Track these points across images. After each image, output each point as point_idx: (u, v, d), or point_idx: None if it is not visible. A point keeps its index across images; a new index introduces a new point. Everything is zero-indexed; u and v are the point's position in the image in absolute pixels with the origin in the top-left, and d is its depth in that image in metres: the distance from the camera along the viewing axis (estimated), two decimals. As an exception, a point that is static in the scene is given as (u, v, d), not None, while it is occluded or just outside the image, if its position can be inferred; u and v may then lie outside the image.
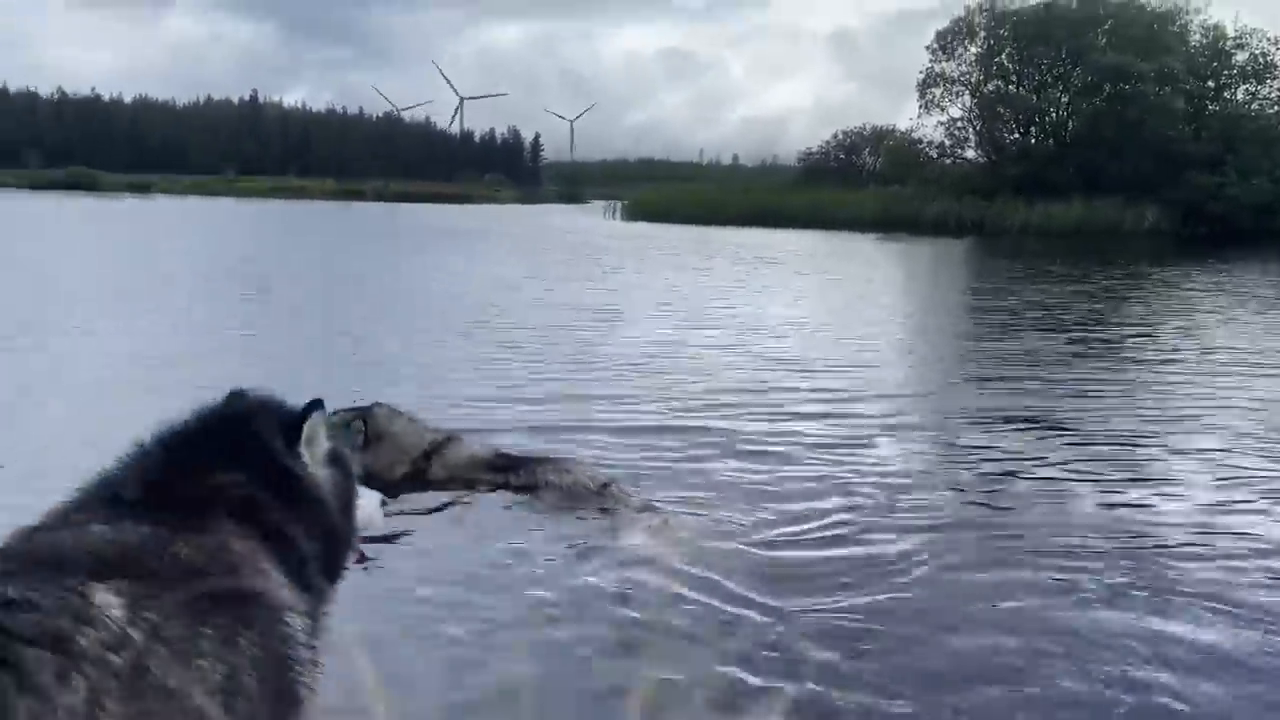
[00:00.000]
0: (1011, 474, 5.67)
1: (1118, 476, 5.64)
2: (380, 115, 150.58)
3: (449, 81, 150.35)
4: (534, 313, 12.49)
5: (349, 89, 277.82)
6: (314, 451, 2.13)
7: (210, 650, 1.58)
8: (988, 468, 5.80)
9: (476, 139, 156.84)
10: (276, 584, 1.80)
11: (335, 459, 2.20)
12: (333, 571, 2.11)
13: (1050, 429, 6.86)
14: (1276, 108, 45.36)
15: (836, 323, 12.80)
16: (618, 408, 7.03)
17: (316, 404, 2.13)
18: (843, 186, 50.13)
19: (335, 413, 4.64)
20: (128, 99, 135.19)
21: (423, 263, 20.98)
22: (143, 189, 77.31)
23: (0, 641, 1.40)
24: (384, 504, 4.25)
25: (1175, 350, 10.68)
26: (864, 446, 6.13)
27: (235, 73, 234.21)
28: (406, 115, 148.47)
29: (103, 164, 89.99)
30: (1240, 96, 45.78)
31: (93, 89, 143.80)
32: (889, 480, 5.37)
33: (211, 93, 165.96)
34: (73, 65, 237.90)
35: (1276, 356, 10.22)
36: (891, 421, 6.89)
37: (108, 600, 1.51)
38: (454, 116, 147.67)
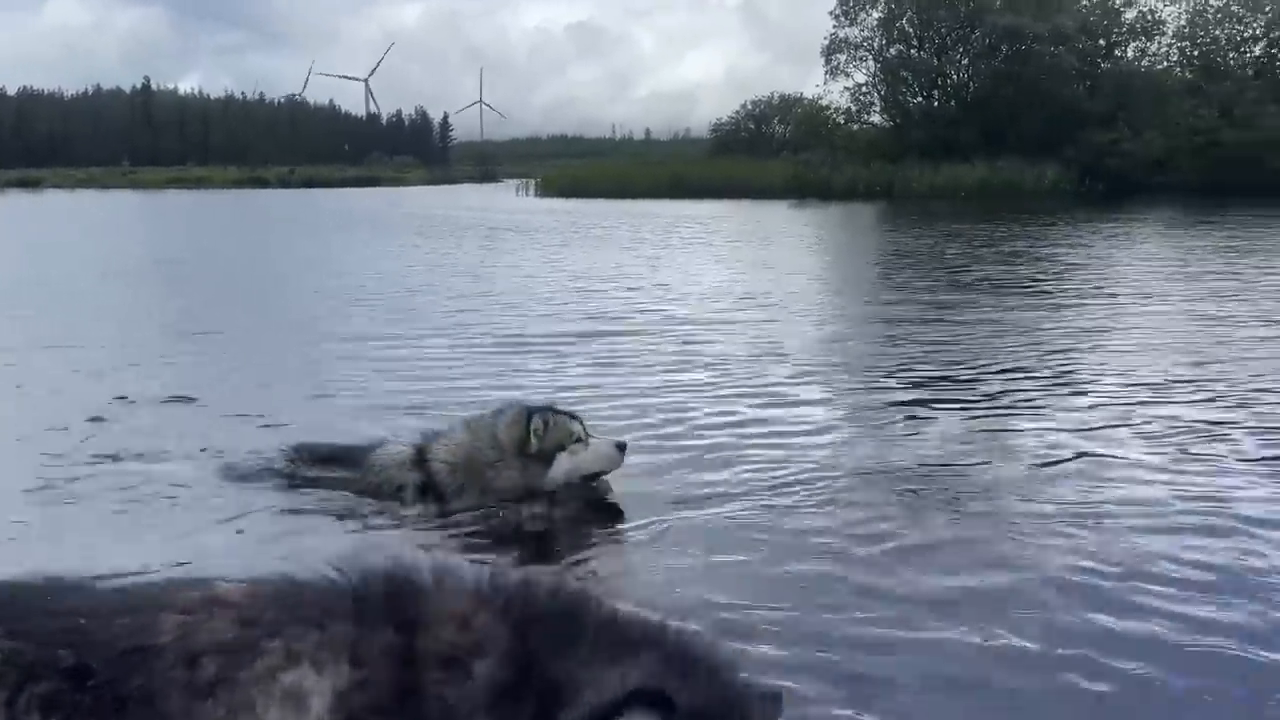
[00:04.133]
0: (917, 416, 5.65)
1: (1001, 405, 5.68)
2: (282, 100, 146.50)
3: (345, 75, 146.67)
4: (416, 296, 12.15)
5: (247, 73, 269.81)
6: None
7: None
8: (893, 415, 5.77)
9: (384, 121, 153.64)
10: None
11: None
12: None
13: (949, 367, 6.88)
14: (1165, 64, 46.81)
15: (754, 286, 12.75)
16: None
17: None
18: (754, 156, 50.36)
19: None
20: (11, 91, 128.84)
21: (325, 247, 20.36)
22: (32, 184, 73.94)
23: None
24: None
25: (1076, 296, 10.90)
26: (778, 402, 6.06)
27: (125, 60, 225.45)
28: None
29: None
30: (1131, 54, 47.10)
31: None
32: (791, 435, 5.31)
33: (101, 82, 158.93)
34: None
35: (1162, 297, 10.52)
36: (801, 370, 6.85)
37: None
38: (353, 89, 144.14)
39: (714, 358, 7.63)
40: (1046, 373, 7.04)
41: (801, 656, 2.90)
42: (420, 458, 4.30)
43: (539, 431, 4.19)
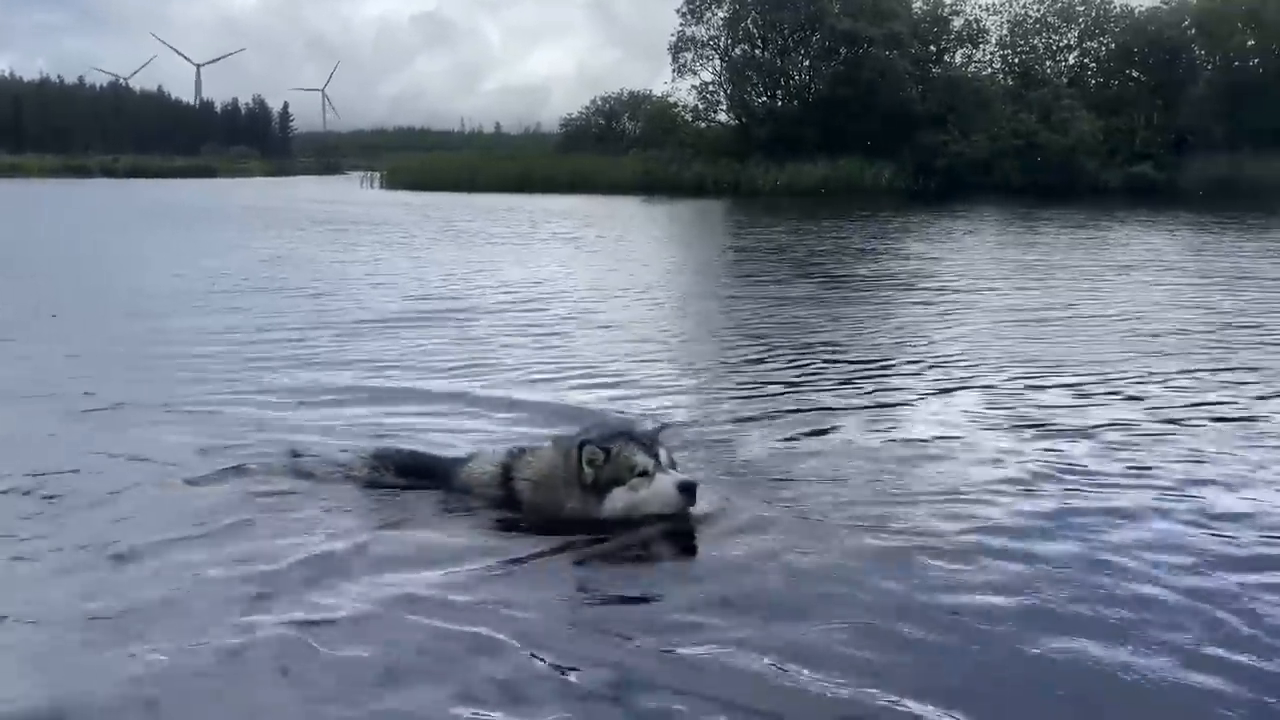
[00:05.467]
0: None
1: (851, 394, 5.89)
2: (105, 85, 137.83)
3: (177, 50, 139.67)
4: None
5: (66, 56, 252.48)
6: None
7: None
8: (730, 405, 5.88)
9: (218, 109, 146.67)
10: None
11: None
12: None
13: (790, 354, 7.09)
14: (990, 70, 49.66)
15: (600, 279, 12.77)
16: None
17: None
18: (604, 152, 50.63)
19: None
20: None
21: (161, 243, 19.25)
22: None
23: None
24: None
25: (906, 287, 11.42)
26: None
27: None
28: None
29: None
30: (959, 60, 49.75)
31: None
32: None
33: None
34: None
35: (990, 286, 11.16)
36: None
37: None
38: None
39: (591, 358, 7.60)
40: (875, 356, 7.33)
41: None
42: (506, 476, 4.04)
43: (595, 462, 3.81)
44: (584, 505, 3.81)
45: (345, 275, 13.02)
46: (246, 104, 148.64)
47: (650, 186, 41.14)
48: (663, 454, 3.89)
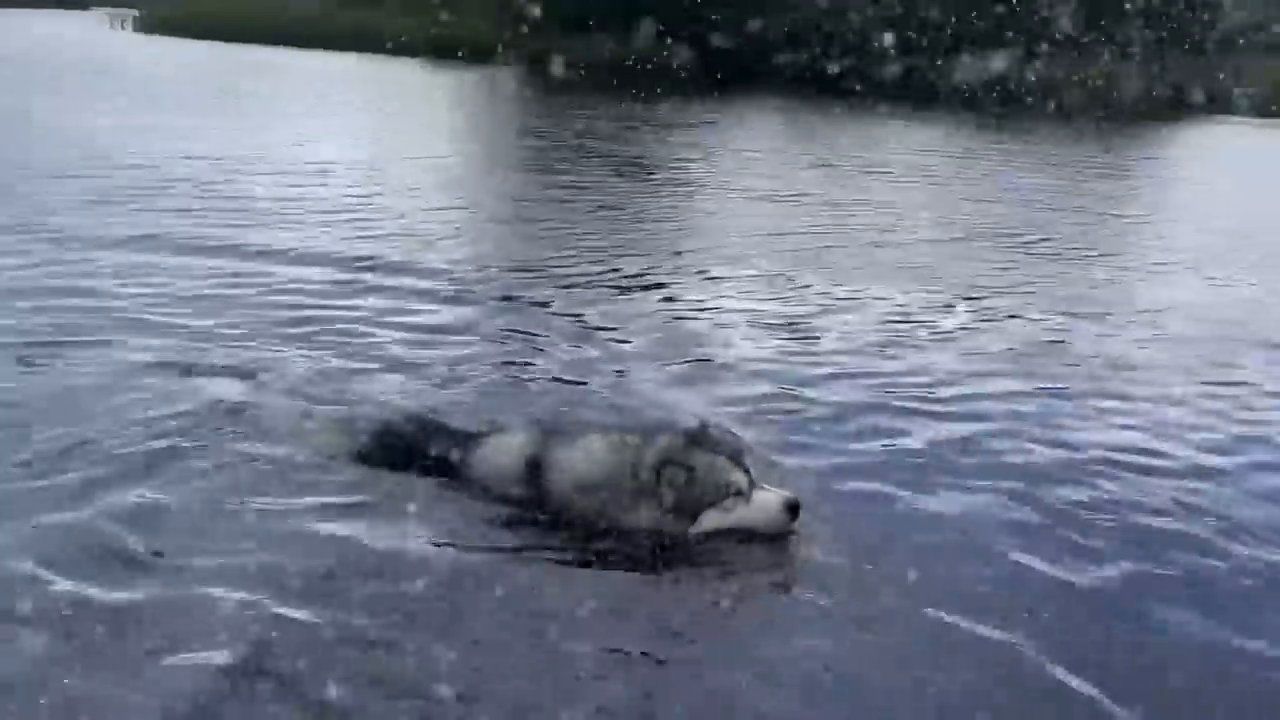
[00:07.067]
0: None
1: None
2: None
3: None
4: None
5: None
6: None
7: None
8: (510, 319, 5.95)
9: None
10: None
11: None
12: None
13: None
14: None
15: (381, 157, 12.28)
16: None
17: None
18: (382, 10, 47.67)
19: None
20: None
21: None
22: None
23: None
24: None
25: (686, 179, 11.70)
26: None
27: None
28: None
29: None
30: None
31: None
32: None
33: None
34: None
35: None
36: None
37: None
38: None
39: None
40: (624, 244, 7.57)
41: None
42: (534, 466, 3.44)
43: (676, 483, 3.32)
44: (659, 523, 3.35)
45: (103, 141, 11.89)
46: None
47: (440, 49, 39.28)
48: (750, 464, 3.50)
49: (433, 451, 3.56)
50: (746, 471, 3.43)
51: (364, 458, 3.66)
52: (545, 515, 3.39)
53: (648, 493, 3.32)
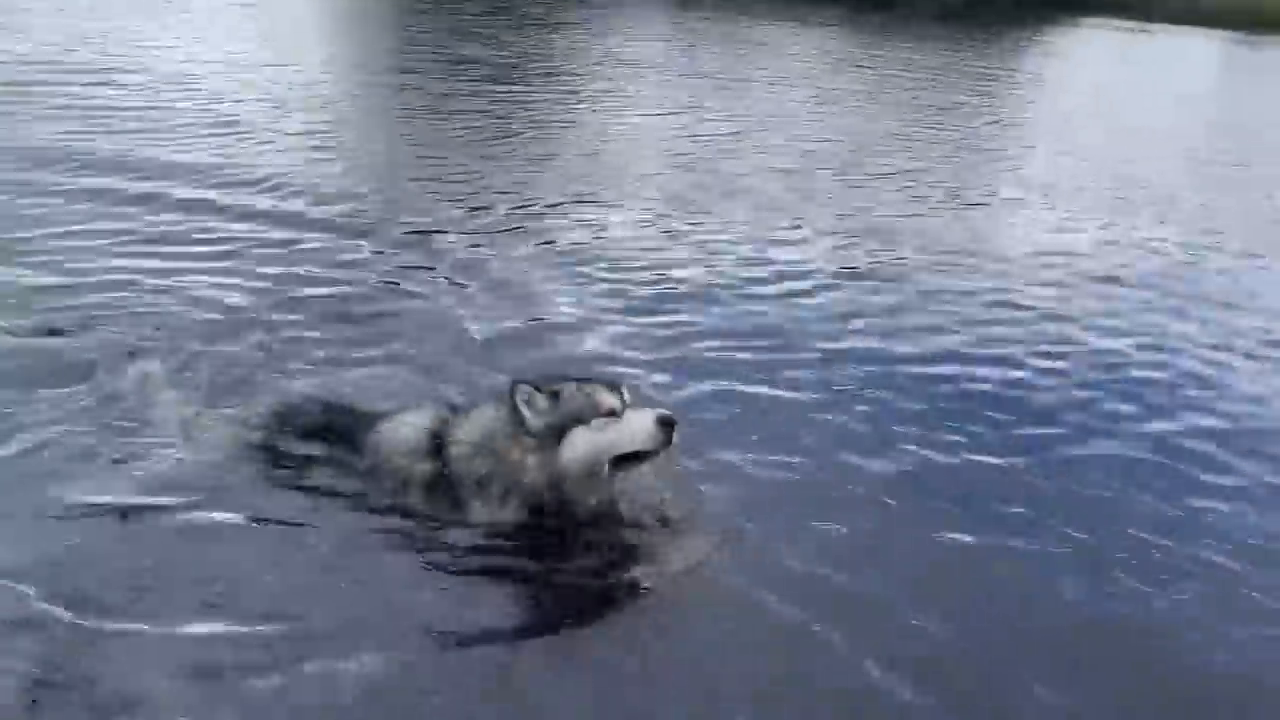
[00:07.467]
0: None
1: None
2: None
3: None
4: None
5: None
6: None
7: None
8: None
9: None
10: None
11: None
12: None
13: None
14: None
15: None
16: None
17: None
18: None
19: None
20: None
21: None
22: None
23: None
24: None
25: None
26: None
27: None
28: None
29: None
30: None
31: None
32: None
33: None
34: None
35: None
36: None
37: None
38: None
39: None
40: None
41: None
42: (437, 441, 3.31)
43: (531, 402, 3.20)
44: (538, 463, 3.23)
45: None
46: None
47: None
48: (626, 394, 3.34)
49: (335, 432, 3.45)
50: (621, 397, 3.30)
51: (264, 449, 3.48)
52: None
53: (519, 438, 3.23)
